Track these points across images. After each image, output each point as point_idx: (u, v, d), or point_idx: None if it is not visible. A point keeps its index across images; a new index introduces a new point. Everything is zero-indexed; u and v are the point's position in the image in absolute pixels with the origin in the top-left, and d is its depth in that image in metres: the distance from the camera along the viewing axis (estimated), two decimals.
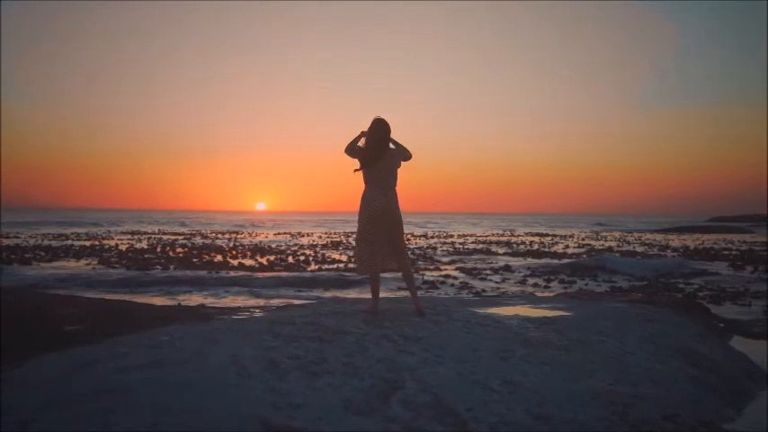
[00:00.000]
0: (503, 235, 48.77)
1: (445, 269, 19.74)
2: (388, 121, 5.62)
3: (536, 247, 32.41)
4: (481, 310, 6.17)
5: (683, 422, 3.80)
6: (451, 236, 45.92)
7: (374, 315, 5.64)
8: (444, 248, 30.20)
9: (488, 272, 18.92)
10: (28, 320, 5.84)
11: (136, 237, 39.08)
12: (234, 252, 26.12)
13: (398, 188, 5.71)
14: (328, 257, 23.87)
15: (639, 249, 30.88)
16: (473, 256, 25.40)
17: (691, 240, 41.39)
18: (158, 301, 12.11)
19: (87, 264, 20.26)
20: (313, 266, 20.49)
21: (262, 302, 11.99)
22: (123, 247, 27.67)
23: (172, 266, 19.15)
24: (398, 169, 5.68)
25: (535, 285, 16.09)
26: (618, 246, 34.09)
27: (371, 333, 4.88)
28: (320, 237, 42.85)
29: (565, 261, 22.42)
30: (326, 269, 19.44)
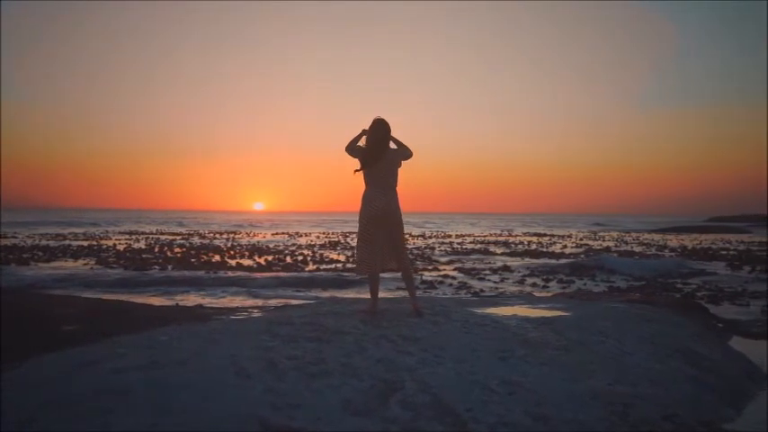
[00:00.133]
0: (501, 235, 48.78)
1: (443, 269, 19.74)
2: (388, 122, 5.61)
3: (534, 247, 32.41)
4: (480, 311, 6.16)
5: (683, 422, 3.79)
6: (449, 236, 45.93)
7: (373, 315, 5.63)
8: (442, 248, 30.20)
9: (487, 272, 18.91)
10: (26, 321, 5.83)
11: (134, 237, 39.04)
12: (232, 252, 26.10)
13: (398, 188, 5.70)
14: (326, 257, 23.86)
15: (637, 249, 30.91)
16: (471, 256, 25.40)
17: (689, 240, 41.44)
18: (156, 301, 12.09)
19: (85, 264, 20.24)
20: (311, 266, 20.48)
21: (260, 303, 11.98)
22: (121, 248, 27.64)
23: (170, 267, 19.13)
24: (399, 169, 5.66)
25: (533, 285, 16.09)
26: (616, 246, 34.11)
27: (370, 333, 4.87)
28: (318, 237, 42.84)
29: (563, 261, 22.42)
30: (325, 269, 19.42)
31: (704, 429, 3.84)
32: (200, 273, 17.27)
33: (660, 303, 8.06)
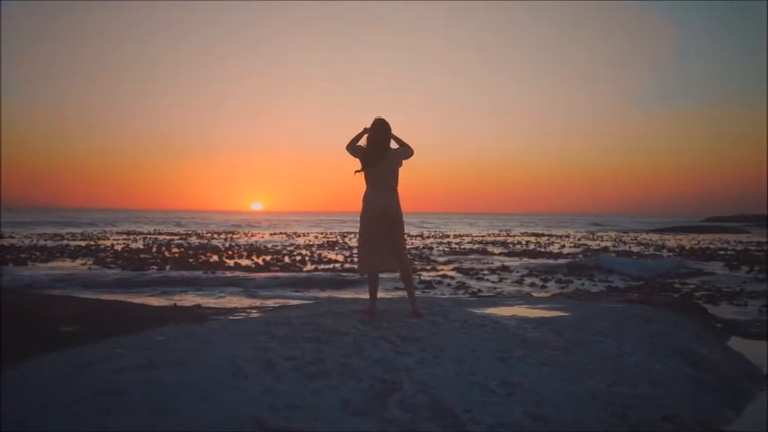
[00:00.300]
0: (499, 235, 48.79)
1: (442, 269, 19.73)
2: (389, 122, 5.60)
3: (532, 247, 32.42)
4: (478, 311, 6.15)
5: (683, 423, 3.79)
6: (448, 236, 45.94)
7: (371, 315, 5.62)
8: (441, 248, 30.19)
9: (485, 272, 18.91)
10: (24, 321, 5.81)
11: (131, 237, 38.99)
12: (230, 252, 26.07)
13: (399, 188, 5.69)
14: (324, 257, 23.85)
15: (635, 249, 30.93)
16: (469, 256, 25.40)
17: (686, 240, 41.48)
18: (154, 301, 12.06)
19: (83, 264, 20.20)
20: (309, 266, 20.46)
21: (258, 303, 11.96)
22: (119, 248, 27.60)
23: (168, 267, 19.11)
24: (399, 169, 5.66)
25: (532, 285, 16.09)
26: (614, 246, 34.14)
27: (369, 334, 4.85)
28: (316, 237, 42.81)
29: (561, 261, 22.44)
30: (323, 269, 19.41)
31: (704, 430, 3.83)
32: (198, 273, 17.25)
33: (659, 303, 8.06)
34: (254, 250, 27.30)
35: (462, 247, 31.73)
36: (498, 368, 4.23)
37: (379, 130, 5.54)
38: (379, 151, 5.50)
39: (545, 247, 32.03)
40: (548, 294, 12.20)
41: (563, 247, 33.23)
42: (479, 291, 14.63)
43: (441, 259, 23.89)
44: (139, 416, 3.14)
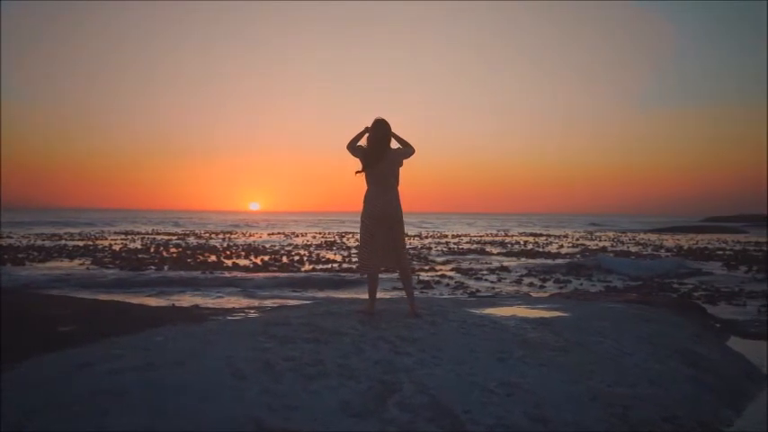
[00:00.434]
0: (497, 235, 48.81)
1: (440, 269, 19.73)
2: (389, 122, 5.59)
3: (530, 247, 32.44)
4: (477, 311, 6.14)
5: (683, 423, 3.78)
6: (446, 236, 45.94)
7: (370, 316, 5.60)
8: (439, 248, 30.20)
9: (484, 272, 18.91)
10: (22, 321, 5.78)
11: (129, 237, 38.95)
12: (228, 252, 26.05)
13: (400, 188, 5.67)
14: (323, 257, 23.84)
15: (633, 249, 30.96)
16: (468, 256, 25.40)
17: (685, 240, 41.53)
18: (152, 301, 12.04)
19: (81, 264, 20.17)
20: (307, 266, 20.45)
21: (256, 303, 11.94)
22: (117, 248, 27.57)
23: (166, 267, 19.08)
24: (400, 168, 5.64)
25: (530, 285, 16.09)
26: (612, 246, 34.16)
27: (368, 334, 4.83)
28: (314, 237, 42.79)
29: (559, 261, 22.45)
30: (321, 269, 19.40)
31: (703, 430, 3.83)
32: (197, 273, 17.23)
33: (657, 303, 8.05)
34: (252, 250, 27.27)
35: (460, 247, 31.73)
36: (498, 369, 4.22)
37: (380, 130, 5.53)
38: (379, 151, 5.49)
39: (543, 248, 32.04)
40: (546, 294, 12.20)
41: (561, 247, 33.25)
42: (478, 291, 14.62)
43: (439, 259, 23.88)
44: (138, 416, 3.12)
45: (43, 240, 32.77)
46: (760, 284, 15.63)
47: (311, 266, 20.43)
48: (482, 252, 28.04)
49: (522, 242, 37.18)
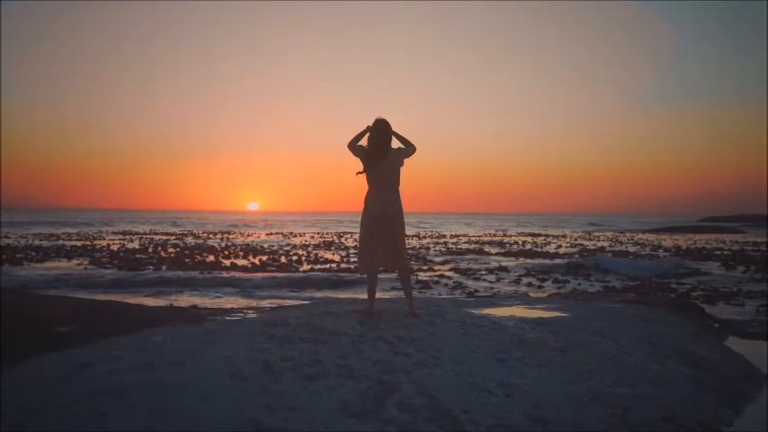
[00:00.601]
0: (495, 235, 48.83)
1: (439, 269, 19.73)
2: (389, 121, 5.59)
3: (528, 247, 32.45)
4: (476, 311, 6.13)
5: (682, 423, 3.78)
6: (444, 236, 45.95)
7: (369, 316, 5.60)
8: (437, 248, 30.20)
9: (482, 272, 18.91)
10: (19, 322, 5.77)
11: (127, 237, 38.91)
12: (226, 252, 26.02)
13: (401, 187, 5.67)
14: (321, 257, 23.83)
15: (632, 249, 30.97)
16: (466, 256, 25.40)
17: (683, 240, 41.57)
18: (150, 301, 12.02)
19: (79, 264, 20.14)
20: (306, 266, 20.43)
21: (254, 303, 11.93)
22: (115, 248, 27.54)
23: (164, 267, 19.06)
24: (401, 168, 5.64)
25: (529, 285, 16.09)
26: (610, 246, 34.18)
27: (367, 334, 4.83)
28: (312, 237, 42.78)
29: (557, 261, 22.46)
30: (319, 269, 19.39)
31: (703, 430, 3.82)
32: (195, 273, 17.21)
33: (656, 303, 8.05)
34: (250, 250, 27.26)
35: (459, 247, 31.74)
36: (497, 369, 4.21)
37: (380, 130, 5.53)
38: (380, 152, 5.49)
39: (541, 248, 32.06)
40: (544, 294, 12.20)
41: (559, 247, 33.26)
42: (476, 291, 14.62)
43: (437, 259, 23.88)
44: (138, 416, 3.12)
45: (41, 240, 32.73)
46: (758, 284, 15.64)
47: (309, 266, 20.41)
48: (480, 252, 28.04)
49: (520, 242, 37.20)
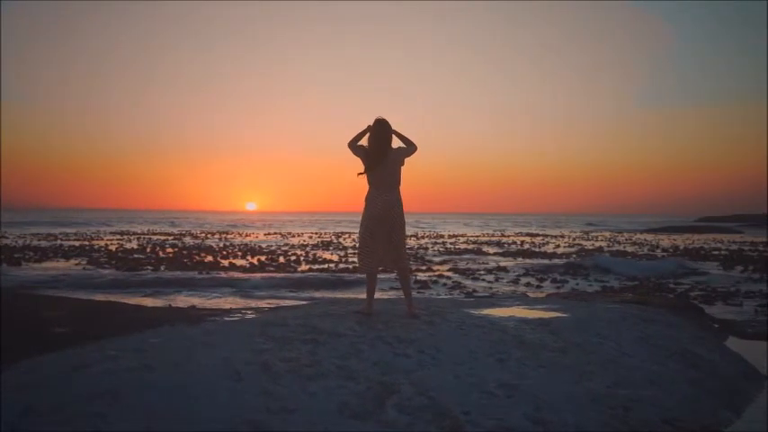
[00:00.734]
0: (493, 235, 48.83)
1: (437, 269, 19.72)
2: (389, 121, 5.57)
3: (527, 247, 32.47)
4: (476, 312, 6.12)
5: (682, 424, 3.76)
6: (442, 236, 45.95)
7: (368, 316, 5.58)
8: (435, 248, 30.20)
9: (481, 272, 18.91)
10: (17, 322, 5.75)
11: (125, 237, 38.86)
12: (224, 252, 25.99)
13: (401, 187, 5.65)
14: (319, 257, 23.81)
15: (630, 249, 30.98)
16: (464, 256, 25.41)
17: (681, 240, 41.61)
18: (148, 302, 12.01)
19: (77, 264, 20.11)
20: (304, 267, 20.42)
21: (253, 303, 11.91)
22: (113, 248, 27.49)
23: (162, 267, 19.03)
24: (402, 167, 5.62)
25: (527, 285, 16.09)
26: (608, 246, 34.19)
27: (366, 335, 4.81)
28: (311, 237, 42.76)
29: (555, 261, 22.48)
30: (317, 269, 19.38)
31: (703, 431, 3.81)
32: (193, 273, 17.19)
33: (655, 304, 8.04)
34: (248, 250, 27.24)
35: (457, 247, 31.74)
36: (497, 370, 4.20)
37: (380, 130, 5.51)
38: (380, 152, 5.48)
39: (540, 247, 32.07)
40: (543, 295, 12.19)
41: (558, 247, 33.27)
42: (475, 291, 14.61)
43: (436, 259, 23.88)
44: (135, 418, 3.10)
45: (39, 240, 32.68)
46: (756, 284, 15.66)
47: (308, 267, 20.40)
48: (479, 252, 28.05)
49: (518, 242, 37.21)
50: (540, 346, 4.82)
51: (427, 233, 50.93)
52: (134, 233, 45.02)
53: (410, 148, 5.63)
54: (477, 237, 44.98)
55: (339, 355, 4.26)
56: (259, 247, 30.38)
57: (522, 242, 37.32)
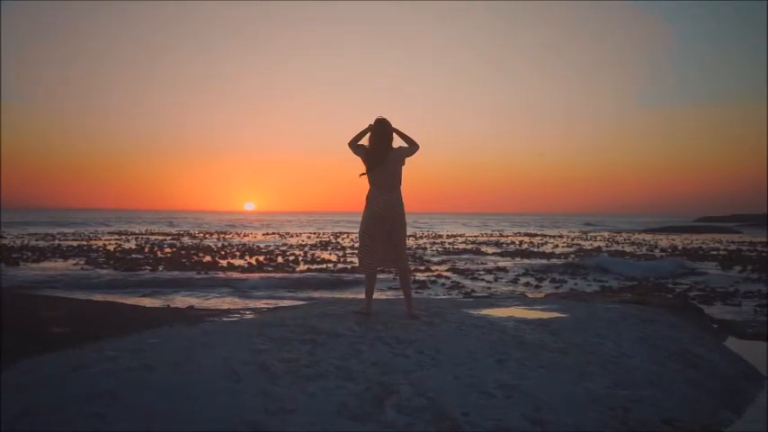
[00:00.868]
0: (492, 235, 48.83)
1: (436, 269, 19.71)
2: (390, 120, 5.56)
3: (525, 247, 32.47)
4: (475, 312, 6.11)
5: (682, 425, 3.76)
6: (441, 236, 45.95)
7: (367, 316, 5.57)
8: (434, 249, 30.19)
9: (480, 272, 18.91)
10: (15, 322, 5.73)
11: (123, 237, 38.82)
12: (223, 252, 25.97)
13: (402, 187, 5.64)
14: (318, 257, 23.79)
15: (628, 249, 31.00)
16: (463, 256, 25.41)
17: (679, 240, 41.63)
18: (147, 302, 11.99)
19: (75, 264, 20.08)
20: (302, 267, 20.41)
21: (251, 304, 11.90)
22: (111, 248, 27.46)
23: (160, 267, 19.01)
24: (402, 167, 5.61)
25: (526, 285, 16.09)
26: (606, 246, 34.20)
27: (365, 335, 4.80)
28: (309, 237, 42.75)
29: (554, 261, 22.48)
30: (316, 269, 19.36)
31: None
32: (191, 273, 17.18)
33: (654, 304, 8.04)
34: (247, 250, 27.22)
35: (456, 247, 31.74)
36: (496, 370, 4.19)
37: (381, 130, 5.50)
38: (381, 153, 5.47)
39: (538, 247, 32.08)
40: (542, 295, 12.19)
41: (556, 247, 33.28)
42: (473, 291, 14.61)
43: (434, 259, 23.87)
44: (133, 419, 3.09)
45: (37, 240, 32.64)
46: (754, 284, 15.67)
47: (306, 267, 20.39)
48: (477, 252, 28.05)
49: (517, 242, 37.21)
50: (539, 347, 4.81)
51: (425, 233, 50.93)
52: (132, 233, 44.98)
53: (411, 147, 5.61)
54: (475, 237, 44.98)
55: (338, 356, 4.25)
56: (257, 247, 30.36)
57: (521, 242, 37.32)
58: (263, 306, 9.74)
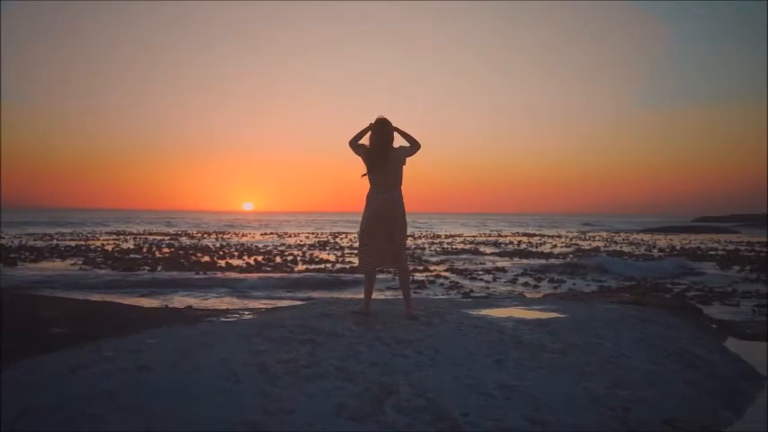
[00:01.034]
0: (490, 235, 48.84)
1: (434, 269, 19.71)
2: (390, 120, 5.55)
3: (524, 247, 32.48)
4: (474, 312, 6.11)
5: (682, 425, 3.75)
6: (439, 236, 45.97)
7: (366, 317, 5.57)
8: (433, 249, 30.20)
9: (478, 272, 18.91)
10: (12, 322, 5.72)
11: (122, 237, 38.78)
12: (221, 252, 25.96)
13: (402, 187, 5.63)
14: (316, 257, 23.78)
15: (626, 249, 31.02)
16: (461, 256, 25.41)
17: (678, 240, 41.67)
18: (145, 302, 11.98)
19: (73, 264, 20.06)
20: (301, 267, 20.40)
21: (250, 304, 11.89)
22: (109, 248, 27.44)
23: (159, 267, 18.99)
24: (403, 167, 5.60)
25: (525, 285, 16.09)
26: (605, 246, 34.22)
27: (364, 336, 4.80)
28: (307, 237, 42.73)
29: (552, 261, 22.49)
30: (314, 269, 19.35)
31: None
32: (190, 273, 17.16)
33: (653, 304, 8.04)
34: (245, 250, 27.20)
35: (454, 247, 31.75)
36: (496, 371, 4.18)
37: (382, 130, 5.49)
38: (381, 152, 5.46)
39: (537, 247, 32.09)
40: (540, 295, 12.19)
41: (555, 247, 33.30)
42: (472, 291, 14.61)
43: (433, 259, 23.87)
44: (131, 420, 3.08)
45: (35, 240, 32.60)
46: (753, 284, 15.68)
47: (305, 267, 20.38)
48: (476, 252, 28.06)
49: (515, 242, 37.23)
50: (538, 347, 4.81)
51: (424, 233, 50.94)
52: (130, 233, 44.93)
53: (413, 147, 5.60)
54: (473, 237, 45.00)
55: (337, 356, 4.24)
56: (256, 247, 30.34)
57: (519, 242, 37.33)
58: (261, 306, 9.73)
